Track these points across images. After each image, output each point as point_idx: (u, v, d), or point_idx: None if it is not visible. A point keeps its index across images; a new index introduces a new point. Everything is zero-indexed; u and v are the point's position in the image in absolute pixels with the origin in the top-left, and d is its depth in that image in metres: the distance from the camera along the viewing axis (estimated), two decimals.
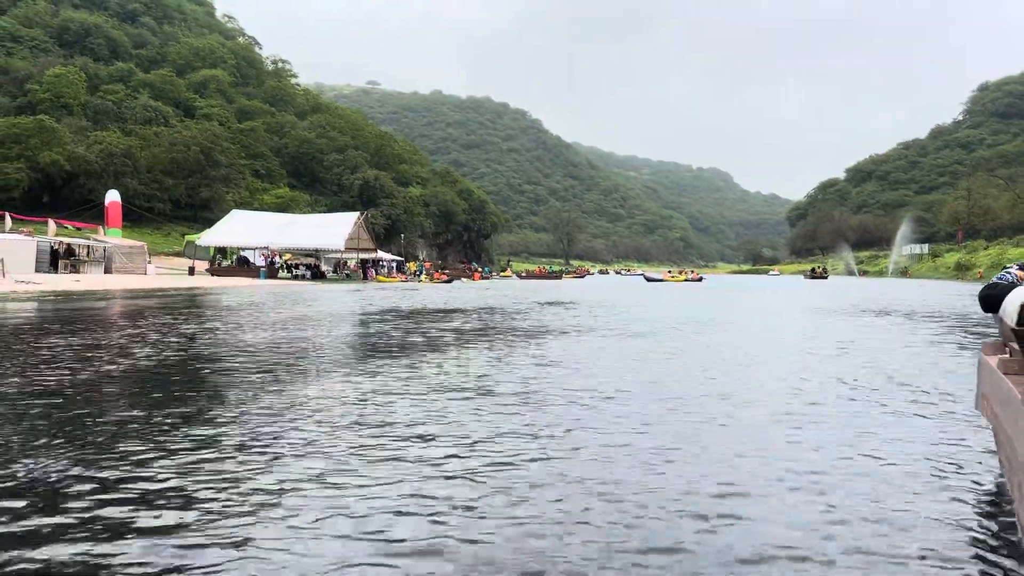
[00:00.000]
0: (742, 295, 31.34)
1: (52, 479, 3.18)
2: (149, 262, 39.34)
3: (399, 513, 2.81)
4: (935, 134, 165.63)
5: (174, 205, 65.02)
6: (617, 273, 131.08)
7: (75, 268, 34.20)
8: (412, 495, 3.03)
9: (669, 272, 74.01)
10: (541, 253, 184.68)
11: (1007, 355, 2.91)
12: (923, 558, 2.42)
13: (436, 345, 9.09)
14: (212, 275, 41.23)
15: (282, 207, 64.58)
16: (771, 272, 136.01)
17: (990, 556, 2.45)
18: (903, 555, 2.44)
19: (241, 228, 46.14)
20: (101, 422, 4.34)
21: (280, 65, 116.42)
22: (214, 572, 2.29)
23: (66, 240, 35.80)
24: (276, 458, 3.58)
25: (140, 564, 2.33)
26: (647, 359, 7.96)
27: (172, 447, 3.75)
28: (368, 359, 7.63)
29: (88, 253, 36.46)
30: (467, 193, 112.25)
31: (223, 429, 4.19)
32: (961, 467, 3.52)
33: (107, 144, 60.01)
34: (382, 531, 2.63)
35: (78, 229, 43.23)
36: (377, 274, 50.22)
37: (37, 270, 30.55)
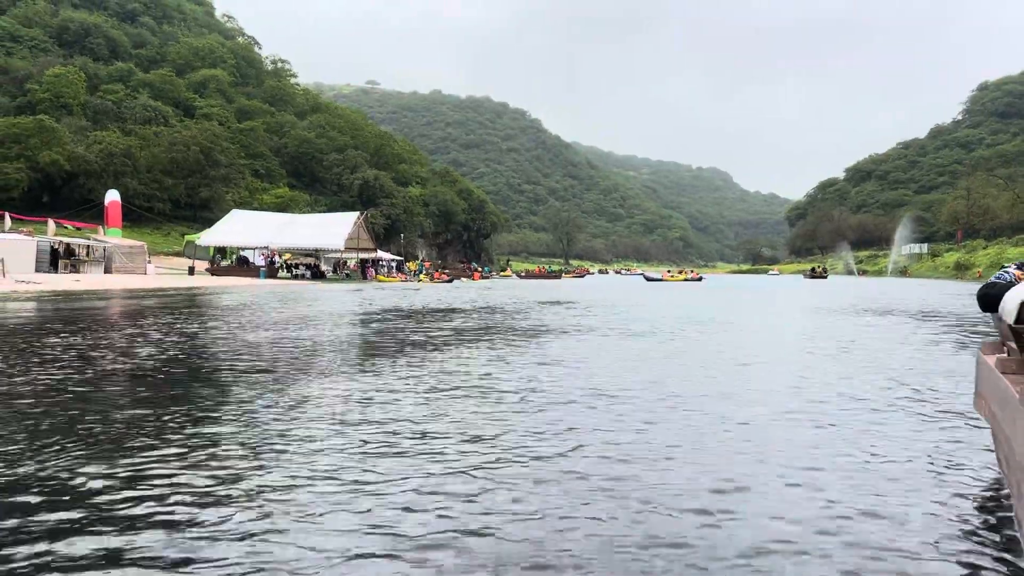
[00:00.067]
0: (742, 295, 31.36)
1: (63, 476, 3.22)
2: (149, 262, 39.34)
3: (406, 509, 2.85)
4: (934, 134, 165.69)
5: (174, 205, 65.01)
6: (617, 273, 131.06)
7: (75, 268, 34.21)
8: (417, 491, 3.07)
9: (668, 272, 74.00)
10: (540, 253, 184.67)
11: (1005, 354, 2.94)
12: (921, 554, 2.45)
13: (438, 344, 9.12)
14: (212, 275, 41.24)
15: (282, 207, 64.57)
16: (770, 272, 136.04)
17: (988, 553, 2.48)
18: (902, 551, 2.47)
19: (241, 228, 46.15)
20: (108, 421, 4.37)
21: (280, 65, 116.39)
22: (225, 565, 2.32)
23: (66, 240, 35.81)
24: (282, 454, 3.63)
25: (155, 557, 2.37)
26: (647, 358, 7.99)
27: (180, 445, 3.79)
28: (371, 358, 7.67)
29: (88, 253, 36.47)
30: (467, 193, 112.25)
31: (229, 427, 4.22)
32: (959, 466, 3.55)
33: (107, 144, 60.00)
34: (389, 525, 2.67)
35: (78, 229, 43.23)
36: (377, 274, 50.23)
37: (37, 270, 30.56)
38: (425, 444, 3.89)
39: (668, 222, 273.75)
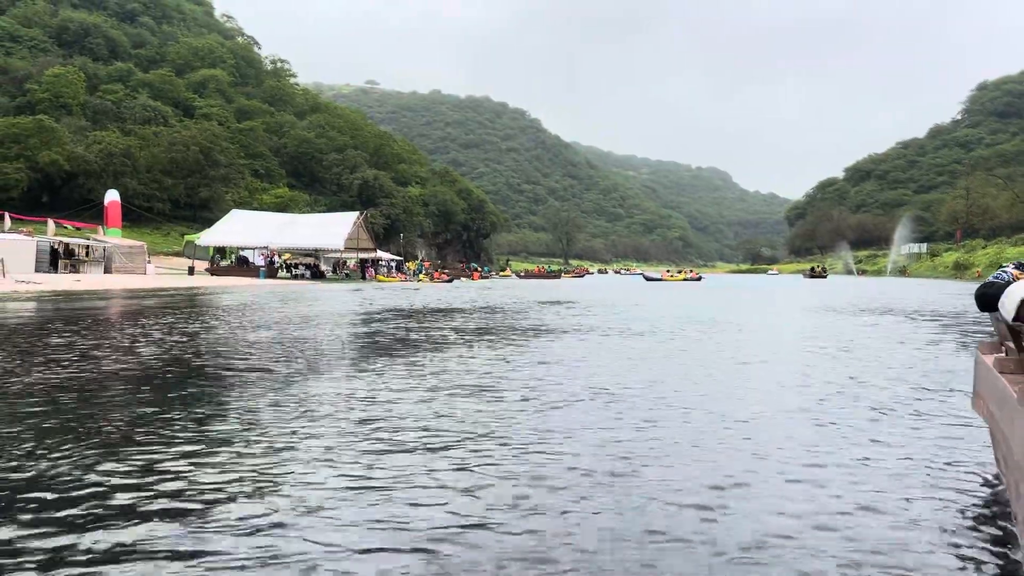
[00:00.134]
0: (741, 294, 31.39)
1: (73, 472, 3.25)
2: (149, 262, 39.34)
3: (411, 504, 2.89)
4: (934, 133, 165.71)
5: (173, 205, 65.00)
6: (616, 272, 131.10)
7: (75, 268, 34.21)
8: (422, 486, 3.11)
9: (668, 271, 74.00)
10: (540, 253, 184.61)
11: (1003, 354, 2.96)
12: (920, 551, 2.47)
13: (440, 344, 9.15)
14: (212, 275, 41.24)
15: (281, 207, 64.57)
16: (770, 271, 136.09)
17: (987, 551, 2.50)
18: (900, 549, 2.49)
19: (240, 228, 46.16)
20: (115, 419, 4.41)
21: (279, 65, 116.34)
22: (234, 558, 2.36)
23: (65, 240, 35.81)
24: (288, 451, 3.66)
25: (166, 550, 2.41)
26: (648, 358, 8.02)
27: (185, 442, 3.82)
28: (373, 357, 7.69)
29: (88, 253, 36.46)
30: (466, 193, 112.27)
31: (234, 425, 4.26)
32: (957, 465, 3.57)
33: (106, 144, 59.98)
34: (394, 520, 2.70)
35: (78, 229, 43.23)
36: (377, 274, 50.24)
37: (37, 270, 30.56)
38: (428, 441, 3.92)
39: (667, 222, 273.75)
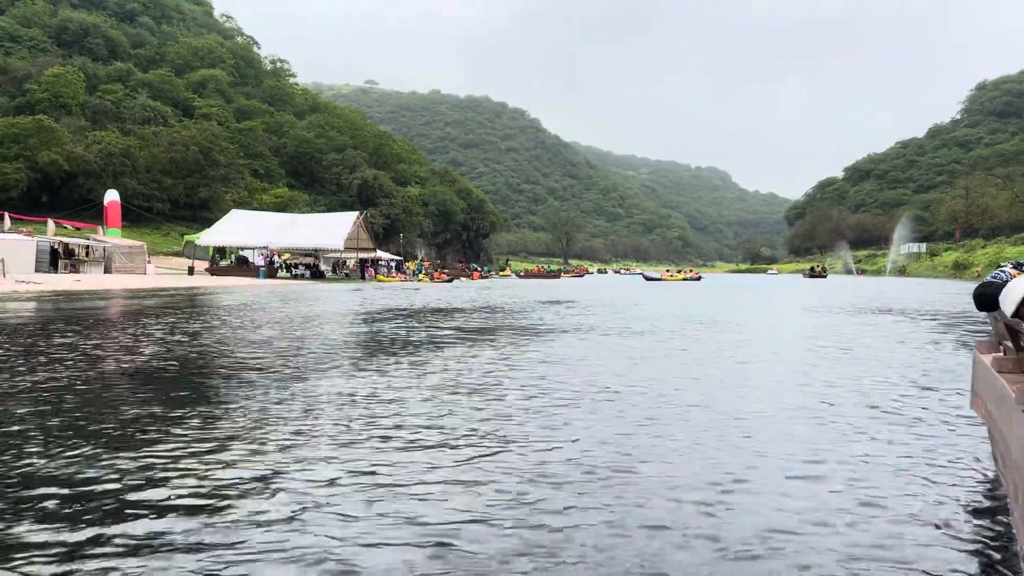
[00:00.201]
0: (740, 294, 31.43)
1: (82, 469, 3.29)
2: (149, 262, 39.34)
3: (416, 498, 2.93)
4: (933, 133, 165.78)
5: (173, 205, 64.98)
6: (616, 272, 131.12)
7: (75, 268, 34.22)
8: (426, 481, 3.14)
9: (667, 271, 74.03)
10: (540, 252, 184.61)
11: (1001, 354, 2.98)
12: (919, 550, 2.50)
13: (441, 343, 9.18)
14: (212, 275, 41.24)
15: (281, 207, 64.54)
16: (769, 271, 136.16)
17: (986, 549, 2.53)
18: (899, 547, 2.52)
19: (240, 228, 46.15)
20: (120, 418, 4.44)
21: (278, 65, 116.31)
22: (243, 550, 2.39)
23: (65, 240, 35.81)
24: (294, 448, 3.69)
25: (178, 543, 2.45)
26: (648, 357, 8.05)
27: (192, 440, 3.86)
28: (375, 357, 7.72)
29: (88, 253, 36.47)
30: (466, 192, 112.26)
31: (240, 423, 4.29)
32: (955, 464, 3.60)
33: (106, 144, 59.96)
34: (399, 514, 2.74)
35: (77, 229, 43.23)
36: (377, 273, 50.26)
37: (37, 270, 30.57)
38: (431, 438, 3.96)
39: (667, 222, 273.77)
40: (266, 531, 2.60)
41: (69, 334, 9.37)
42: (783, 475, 3.34)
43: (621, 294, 29.00)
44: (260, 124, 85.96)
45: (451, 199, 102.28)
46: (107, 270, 36.36)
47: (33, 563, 2.31)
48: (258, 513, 2.77)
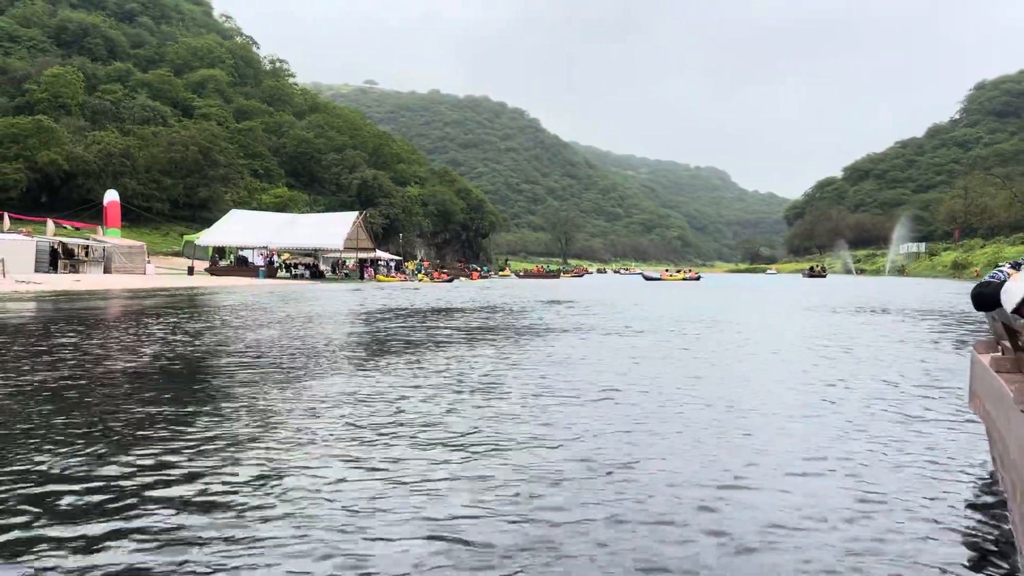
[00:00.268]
0: (740, 294, 31.47)
1: (87, 468, 3.34)
2: (148, 262, 39.35)
3: (421, 493, 2.97)
4: (932, 133, 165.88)
5: (172, 205, 64.96)
6: (615, 272, 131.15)
7: (75, 268, 34.23)
8: (431, 477, 3.18)
9: (667, 271, 74.05)
10: (539, 252, 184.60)
11: (999, 353, 3.00)
12: (918, 548, 2.52)
13: (443, 343, 9.21)
14: (211, 275, 41.25)
15: (280, 207, 64.52)
16: (768, 271, 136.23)
17: (984, 548, 2.55)
18: (898, 546, 2.54)
19: (240, 228, 46.17)
20: (127, 417, 4.48)
21: (278, 65, 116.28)
22: (253, 544, 2.44)
23: (64, 240, 35.82)
24: (301, 445, 3.73)
25: (189, 536, 2.48)
26: (649, 356, 8.08)
27: (198, 439, 3.90)
28: (378, 356, 7.75)
29: (87, 253, 36.47)
30: (465, 192, 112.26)
31: (245, 421, 4.33)
32: (954, 463, 3.62)
33: (105, 144, 59.94)
34: (404, 509, 2.78)
35: (77, 229, 43.21)
36: (377, 273, 50.28)
37: (37, 270, 30.58)
38: (435, 436, 3.99)
39: (666, 221, 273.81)
40: (274, 525, 2.63)
41: (71, 334, 9.39)
42: (783, 472, 3.37)
43: (621, 294, 29.03)
44: (259, 124, 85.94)
45: (450, 199, 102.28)
46: (107, 270, 36.36)
47: (55, 556, 2.36)
48: (266, 508, 2.81)
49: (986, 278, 3.08)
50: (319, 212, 62.23)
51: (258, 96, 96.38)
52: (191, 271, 41.39)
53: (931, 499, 3.02)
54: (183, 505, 2.86)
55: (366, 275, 48.24)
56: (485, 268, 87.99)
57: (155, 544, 2.47)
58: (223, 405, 4.86)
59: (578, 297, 24.34)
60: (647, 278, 63.07)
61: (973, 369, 3.36)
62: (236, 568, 2.29)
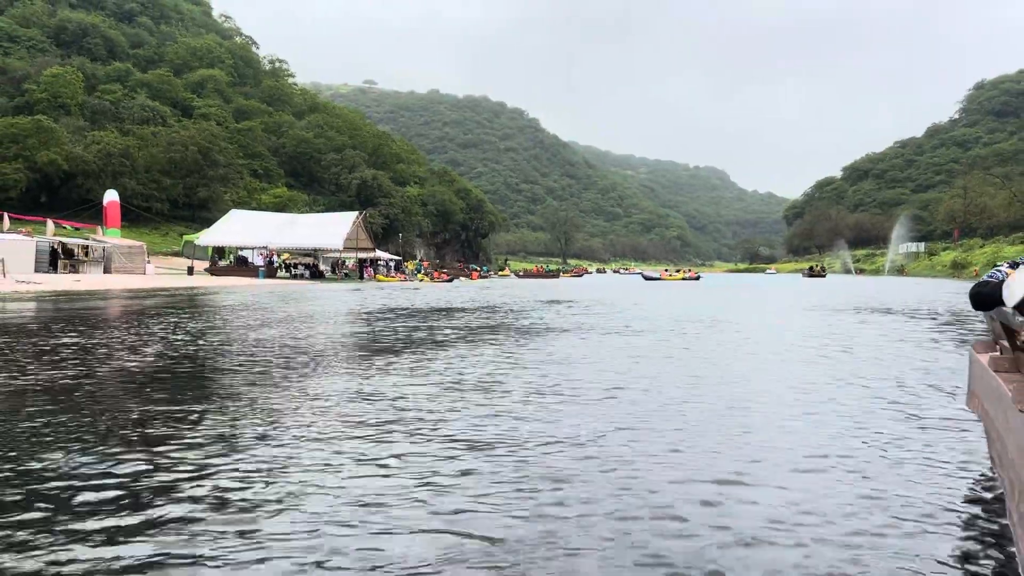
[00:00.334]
0: (740, 293, 31.49)
1: (95, 466, 3.37)
2: (148, 262, 39.37)
3: (426, 488, 3.00)
4: (931, 132, 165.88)
5: (172, 205, 64.96)
6: (615, 272, 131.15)
7: (75, 268, 34.24)
8: (437, 472, 3.22)
9: (666, 271, 74.07)
10: (538, 252, 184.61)
11: (997, 353, 3.02)
12: (917, 547, 2.55)
13: (445, 342, 9.23)
14: (211, 275, 41.26)
15: (280, 207, 64.53)
16: (768, 271, 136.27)
17: (983, 547, 2.58)
18: (897, 544, 2.57)
19: (239, 228, 46.18)
20: (134, 416, 4.51)
21: (277, 65, 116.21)
22: (261, 536, 2.47)
23: (63, 240, 35.82)
24: (308, 442, 3.76)
25: (199, 530, 2.51)
26: (650, 356, 8.11)
27: (203, 437, 3.93)
28: (379, 355, 7.77)
29: (87, 253, 36.48)
30: (464, 192, 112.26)
31: (250, 422, 4.36)
32: (952, 462, 3.64)
33: (105, 144, 59.92)
34: (409, 504, 2.81)
35: (76, 229, 43.21)
36: (376, 273, 50.29)
37: (36, 270, 30.59)
38: (439, 433, 4.02)
39: (666, 221, 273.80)
40: (282, 520, 2.67)
41: (73, 334, 9.42)
42: (784, 470, 3.40)
43: (620, 294, 29.06)
44: (259, 124, 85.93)
45: (450, 199, 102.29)
46: (106, 270, 36.37)
47: (72, 551, 2.40)
48: (274, 503, 2.85)
49: (984, 278, 3.10)
50: (319, 212, 62.23)
51: (257, 96, 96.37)
52: (191, 271, 41.40)
53: (930, 497, 3.05)
54: (193, 501, 2.89)
55: (366, 275, 48.24)
56: (485, 268, 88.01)
57: (170, 538, 2.51)
58: (228, 404, 4.90)
59: (578, 297, 24.36)
60: (646, 278, 63.08)
61: (971, 368, 3.38)
62: (246, 562, 2.33)
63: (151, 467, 3.36)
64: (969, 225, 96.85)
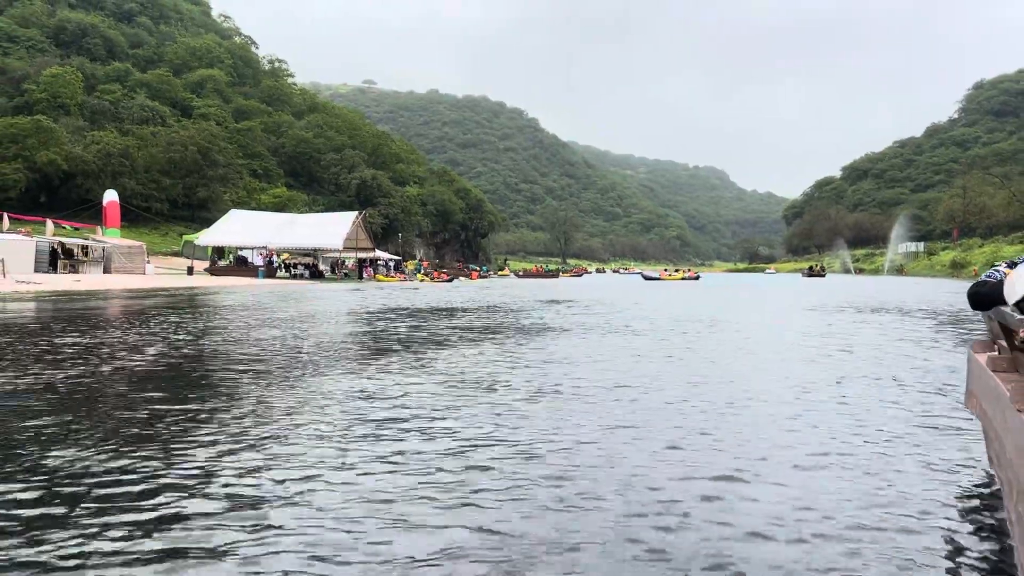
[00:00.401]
0: (740, 293, 31.51)
1: (102, 465, 3.41)
2: (148, 262, 39.37)
3: (428, 486, 3.04)
4: (931, 132, 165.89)
5: (171, 205, 64.93)
6: (614, 272, 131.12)
7: (74, 268, 34.24)
8: (441, 468, 3.25)
9: (666, 271, 74.07)
10: (538, 252, 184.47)
11: (995, 353, 3.04)
12: (916, 546, 2.58)
13: (445, 342, 9.26)
14: (211, 275, 41.26)
15: (280, 207, 64.50)
16: (767, 270, 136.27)
17: (981, 546, 2.60)
18: (896, 544, 2.59)
19: (239, 228, 46.19)
20: (136, 415, 4.55)
21: (277, 65, 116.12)
22: (267, 531, 2.50)
23: (63, 240, 35.82)
24: (314, 440, 3.79)
25: (206, 524, 2.54)
26: (650, 355, 8.14)
27: (209, 435, 3.97)
28: (382, 355, 7.80)
29: (87, 253, 36.48)
30: (464, 192, 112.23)
31: (254, 421, 4.39)
32: (951, 462, 3.67)
33: (104, 144, 59.89)
34: (418, 501, 2.84)
35: (76, 229, 43.20)
36: (376, 273, 50.29)
37: (36, 270, 30.59)
38: (442, 431, 4.06)
39: (665, 221, 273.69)
40: (290, 515, 2.71)
41: (74, 334, 9.44)
42: (784, 467, 3.44)
43: (620, 294, 29.08)
44: (258, 124, 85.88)
45: (449, 199, 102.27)
46: (106, 270, 36.37)
47: (84, 544, 2.43)
48: (277, 497, 2.88)
49: (982, 277, 3.13)
50: (318, 212, 62.22)
51: (257, 96, 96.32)
52: (190, 271, 41.40)
53: (928, 496, 3.07)
54: (203, 497, 2.93)
55: (365, 275, 48.24)
56: (484, 268, 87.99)
57: (182, 533, 2.55)
58: (231, 403, 4.92)
59: (577, 297, 24.39)
60: (646, 278, 63.08)
61: (970, 368, 3.40)
62: (256, 556, 2.36)
63: (161, 464, 3.39)
64: (968, 225, 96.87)
